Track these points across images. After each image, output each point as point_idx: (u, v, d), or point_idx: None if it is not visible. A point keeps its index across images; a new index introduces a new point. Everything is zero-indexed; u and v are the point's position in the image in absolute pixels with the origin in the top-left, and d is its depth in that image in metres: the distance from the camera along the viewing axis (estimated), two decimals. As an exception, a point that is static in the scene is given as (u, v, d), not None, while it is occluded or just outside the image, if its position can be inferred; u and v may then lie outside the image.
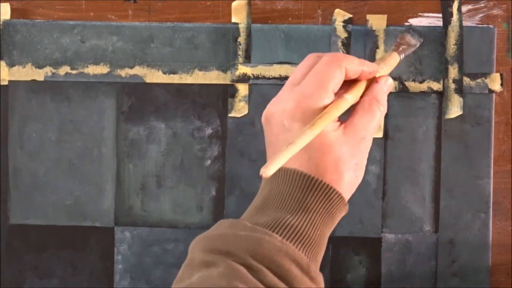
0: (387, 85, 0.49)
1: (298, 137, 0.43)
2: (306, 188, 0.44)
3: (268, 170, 0.42)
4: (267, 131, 0.47)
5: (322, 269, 0.60)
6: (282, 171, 0.45)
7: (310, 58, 0.48)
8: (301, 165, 0.45)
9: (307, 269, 0.42)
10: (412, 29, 0.56)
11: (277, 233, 0.42)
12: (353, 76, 0.47)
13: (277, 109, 0.46)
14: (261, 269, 0.40)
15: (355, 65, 0.46)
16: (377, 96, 0.47)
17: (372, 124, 0.47)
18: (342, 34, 0.60)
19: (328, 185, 0.44)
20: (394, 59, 0.52)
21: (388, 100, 0.59)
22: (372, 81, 0.49)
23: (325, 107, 0.45)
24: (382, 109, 0.48)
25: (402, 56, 0.53)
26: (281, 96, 0.47)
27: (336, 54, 0.46)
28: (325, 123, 0.44)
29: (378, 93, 0.47)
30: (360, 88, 0.48)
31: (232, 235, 0.42)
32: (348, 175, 0.45)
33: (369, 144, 0.47)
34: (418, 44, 0.55)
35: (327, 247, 0.60)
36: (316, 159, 0.45)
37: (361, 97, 0.48)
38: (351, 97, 0.47)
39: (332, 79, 0.45)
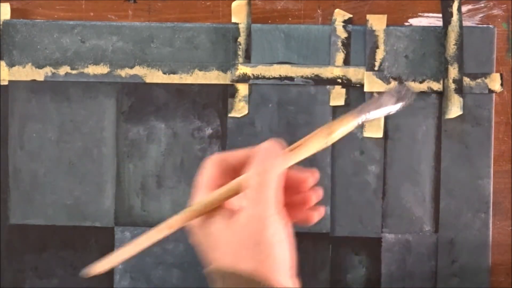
0: (266, 150, 0.39)
1: (141, 239, 0.39)
2: None
3: (93, 271, 0.39)
4: None
5: (322, 269, 0.60)
6: (226, 275, 0.39)
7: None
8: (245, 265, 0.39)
9: None
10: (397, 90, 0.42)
11: None
12: (238, 164, 0.41)
13: None
14: None
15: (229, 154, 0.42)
16: (250, 173, 0.39)
17: (252, 199, 0.39)
18: (342, 34, 0.60)
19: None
20: (348, 123, 0.40)
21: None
22: None
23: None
24: (256, 178, 0.38)
25: (365, 117, 0.40)
26: None
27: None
28: (174, 224, 0.40)
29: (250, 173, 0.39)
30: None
31: None
32: (247, 262, 0.38)
33: (271, 219, 0.38)
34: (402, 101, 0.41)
35: (327, 247, 0.60)
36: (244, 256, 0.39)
37: None
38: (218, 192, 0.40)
39: (202, 177, 0.41)
